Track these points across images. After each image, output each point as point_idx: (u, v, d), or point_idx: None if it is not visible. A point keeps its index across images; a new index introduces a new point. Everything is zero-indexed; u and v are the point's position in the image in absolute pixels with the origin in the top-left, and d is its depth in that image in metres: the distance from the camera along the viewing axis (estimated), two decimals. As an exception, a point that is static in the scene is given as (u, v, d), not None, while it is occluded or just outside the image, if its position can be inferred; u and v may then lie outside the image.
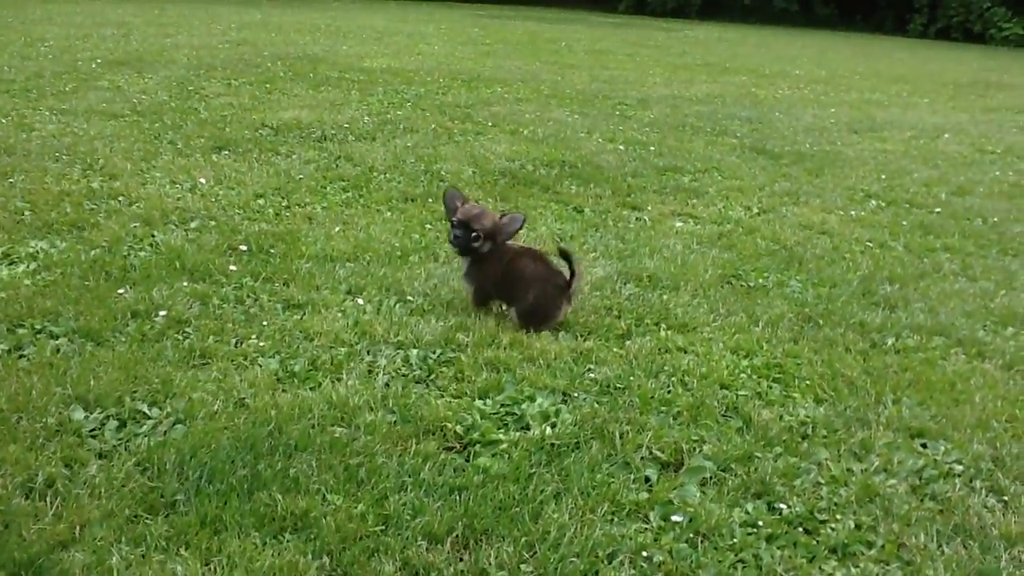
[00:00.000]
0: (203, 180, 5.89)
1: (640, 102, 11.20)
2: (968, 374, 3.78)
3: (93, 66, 10.65)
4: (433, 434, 3.02)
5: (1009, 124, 12.04)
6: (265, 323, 3.76)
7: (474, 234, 3.90)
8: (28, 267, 4.20)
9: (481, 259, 3.99)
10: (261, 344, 3.57)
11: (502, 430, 3.07)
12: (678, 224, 5.80)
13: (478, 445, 2.97)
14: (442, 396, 3.29)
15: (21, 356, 3.33)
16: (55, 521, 2.41)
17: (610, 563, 2.45)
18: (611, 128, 9.12)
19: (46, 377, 3.13)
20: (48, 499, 2.49)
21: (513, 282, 3.94)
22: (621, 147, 8.16)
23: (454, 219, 3.94)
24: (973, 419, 3.36)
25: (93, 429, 2.87)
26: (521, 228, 4.02)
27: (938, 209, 6.77)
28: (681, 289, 4.51)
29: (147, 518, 2.46)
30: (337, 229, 5.09)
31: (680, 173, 7.28)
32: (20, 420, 2.86)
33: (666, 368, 3.61)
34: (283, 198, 5.66)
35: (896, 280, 4.94)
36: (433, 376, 3.44)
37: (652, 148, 8.20)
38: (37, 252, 4.39)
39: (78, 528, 2.39)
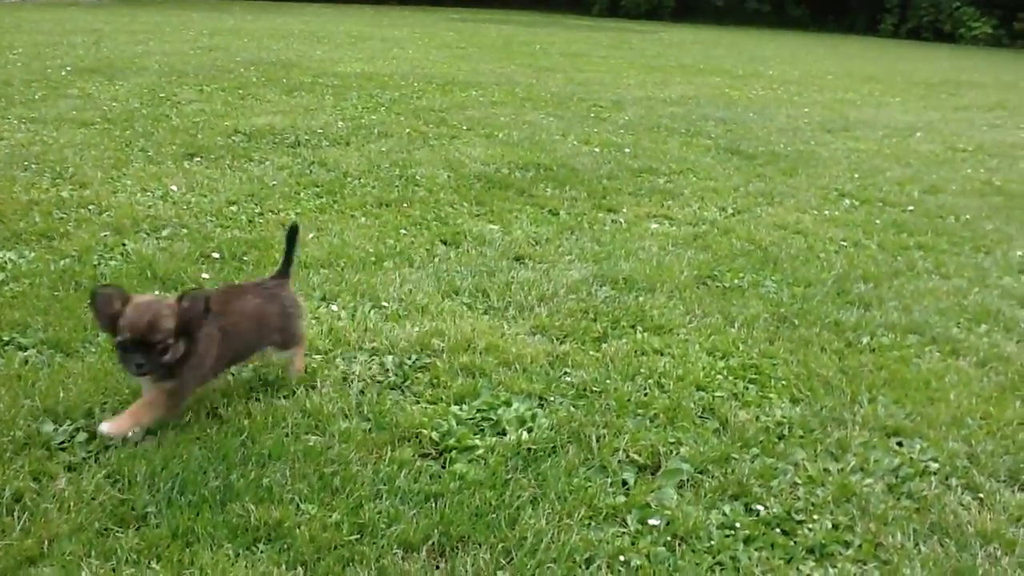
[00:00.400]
0: (175, 188, 5.83)
1: (615, 104, 11.22)
2: (943, 372, 3.80)
3: (63, 74, 10.54)
4: (408, 441, 2.99)
5: (980, 122, 12.16)
6: (238, 331, 3.71)
7: (161, 347, 2.79)
8: (-4, 278, 4.14)
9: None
10: (234, 352, 3.52)
11: (478, 436, 3.05)
12: (653, 226, 5.80)
13: (454, 451, 2.94)
14: (417, 402, 3.26)
15: (-12, 369, 3.27)
16: (23, 536, 2.36)
17: (587, 568, 2.43)
18: (586, 130, 9.12)
19: (14, 389, 3.08)
20: (16, 514, 2.45)
21: (253, 328, 3.19)
22: (596, 149, 8.16)
23: (122, 339, 2.78)
24: (948, 417, 3.38)
25: (62, 442, 2.82)
26: (207, 309, 2.88)
27: (911, 207, 6.81)
28: (657, 291, 4.51)
29: (117, 531, 2.42)
30: (311, 235, 5.05)
31: (655, 175, 7.29)
32: (-13, 434, 2.81)
33: (642, 370, 3.60)
34: (256, 205, 5.61)
35: (870, 279, 4.96)
36: (408, 382, 3.41)
37: (627, 150, 8.21)
38: (5, 262, 4.32)
39: (47, 543, 2.34)
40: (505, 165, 7.15)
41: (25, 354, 3.39)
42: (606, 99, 11.59)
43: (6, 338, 3.50)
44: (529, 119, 9.59)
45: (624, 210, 6.12)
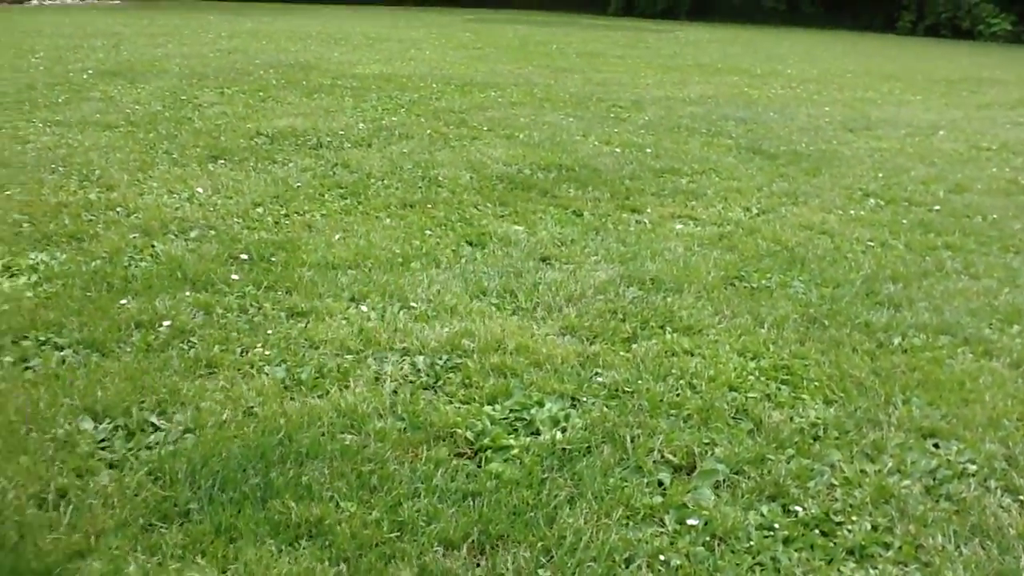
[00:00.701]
0: (200, 189, 5.87)
1: (634, 104, 11.21)
2: (976, 373, 3.78)
3: (85, 77, 10.62)
4: (443, 440, 3.00)
5: (1003, 120, 12.07)
6: (270, 331, 3.74)
7: None
8: (29, 279, 4.18)
9: None
10: (266, 353, 3.55)
11: (512, 435, 3.06)
12: (678, 226, 5.79)
13: (489, 451, 2.95)
14: (450, 402, 3.27)
15: (27, 368, 3.30)
16: (70, 531, 2.39)
17: (627, 567, 2.43)
18: (606, 130, 9.12)
19: (53, 388, 3.11)
20: (61, 509, 2.47)
21: None
22: (617, 149, 8.16)
23: None
24: (984, 418, 3.36)
25: (103, 439, 2.85)
26: None
27: (937, 207, 6.77)
28: (684, 291, 4.50)
29: (162, 527, 2.44)
30: (337, 236, 5.07)
31: (678, 175, 7.27)
32: (29, 431, 2.84)
33: (674, 371, 3.60)
34: (281, 206, 5.63)
35: (899, 279, 4.93)
36: (440, 382, 3.42)
37: (648, 150, 8.20)
38: (37, 264, 4.36)
39: (93, 537, 2.37)
40: (527, 166, 7.16)
41: (62, 354, 3.42)
42: (625, 99, 11.57)
43: (42, 338, 3.53)
44: (549, 120, 9.59)
45: (648, 210, 6.12)
